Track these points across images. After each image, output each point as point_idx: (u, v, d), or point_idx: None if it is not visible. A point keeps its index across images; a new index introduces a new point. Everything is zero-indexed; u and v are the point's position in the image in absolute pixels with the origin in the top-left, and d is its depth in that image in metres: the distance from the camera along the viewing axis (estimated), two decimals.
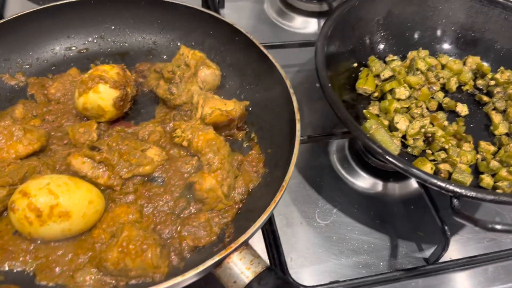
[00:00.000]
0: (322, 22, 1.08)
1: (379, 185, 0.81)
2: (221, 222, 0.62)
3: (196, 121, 0.69)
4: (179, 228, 0.61)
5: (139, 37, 0.86)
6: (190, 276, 0.50)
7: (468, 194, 0.56)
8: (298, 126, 0.64)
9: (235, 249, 0.54)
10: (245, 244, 0.56)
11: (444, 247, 0.65)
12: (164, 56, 0.85)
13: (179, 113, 0.74)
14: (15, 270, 0.55)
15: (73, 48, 0.83)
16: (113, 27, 0.86)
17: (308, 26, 1.11)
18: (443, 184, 0.57)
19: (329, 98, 0.66)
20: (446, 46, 0.90)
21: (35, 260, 0.55)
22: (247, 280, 0.51)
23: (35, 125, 0.68)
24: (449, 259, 0.72)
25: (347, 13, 0.81)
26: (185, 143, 0.67)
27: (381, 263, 0.72)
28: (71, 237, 0.57)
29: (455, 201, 0.59)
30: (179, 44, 0.85)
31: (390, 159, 0.59)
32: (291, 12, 1.13)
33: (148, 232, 0.57)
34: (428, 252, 0.73)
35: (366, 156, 0.80)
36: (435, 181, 0.57)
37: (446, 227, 0.64)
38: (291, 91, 0.68)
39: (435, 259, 0.69)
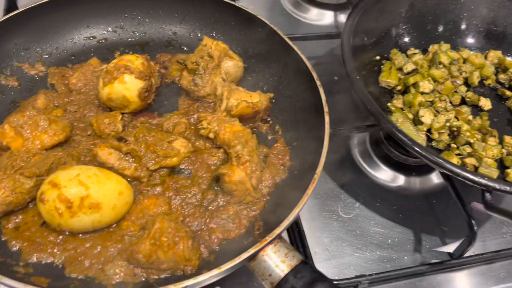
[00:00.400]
0: (338, 14, 1.07)
1: (400, 179, 0.80)
2: (249, 215, 0.62)
3: (221, 113, 0.68)
4: (207, 220, 0.60)
5: (159, 27, 0.84)
6: (227, 268, 0.49)
7: (504, 188, 0.55)
8: (327, 118, 0.63)
9: (270, 242, 0.53)
10: (279, 237, 0.55)
11: (471, 241, 0.64)
12: (184, 47, 0.83)
13: (202, 105, 0.72)
14: (43, 262, 0.54)
15: (92, 37, 0.81)
16: (132, 17, 0.84)
17: (324, 18, 1.10)
18: (477, 179, 0.56)
19: (359, 92, 0.65)
20: (467, 40, 0.89)
21: (63, 252, 0.54)
22: (282, 274, 0.50)
23: (58, 115, 0.66)
24: (473, 254, 0.71)
25: (371, 5, 0.79)
26: (211, 135, 0.66)
27: (405, 258, 0.72)
28: (100, 229, 0.56)
29: (488, 195, 0.58)
30: (199, 35, 0.83)
31: (425, 154, 0.59)
32: (306, 4, 1.11)
33: (179, 224, 0.56)
34: (452, 247, 0.72)
35: (388, 150, 0.79)
36: (471, 176, 0.56)
37: (473, 221, 0.63)
38: (318, 83, 0.67)
39: (460, 253, 0.68)
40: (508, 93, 0.82)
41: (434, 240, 0.74)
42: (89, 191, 0.53)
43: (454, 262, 0.69)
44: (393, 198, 0.78)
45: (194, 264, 0.55)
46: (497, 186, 0.56)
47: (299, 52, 0.71)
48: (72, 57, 0.79)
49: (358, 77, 0.66)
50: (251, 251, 0.51)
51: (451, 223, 0.75)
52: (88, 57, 0.78)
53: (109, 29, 0.83)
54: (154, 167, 0.62)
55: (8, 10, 0.91)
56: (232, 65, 0.74)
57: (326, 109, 0.64)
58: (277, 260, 0.52)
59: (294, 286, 0.50)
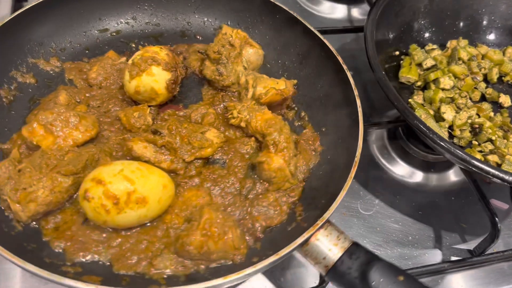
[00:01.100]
0: (351, 8, 1.06)
1: (419, 176, 0.82)
2: (289, 201, 0.64)
3: (250, 101, 0.70)
4: (249, 209, 0.62)
5: (173, 18, 0.85)
6: (284, 254, 0.51)
7: None
8: (358, 102, 0.66)
9: (321, 226, 0.54)
10: (328, 221, 0.56)
11: (494, 238, 0.65)
12: (199, 37, 0.84)
13: (227, 95, 0.74)
14: (89, 261, 0.54)
15: (105, 30, 0.81)
16: (145, 8, 0.84)
17: (335, 12, 1.11)
18: (507, 177, 0.56)
19: (385, 87, 0.67)
20: (485, 36, 0.92)
21: (108, 249, 0.55)
22: (336, 257, 0.53)
23: (82, 111, 0.64)
24: (494, 251, 0.71)
25: (391, 2, 0.78)
26: (242, 124, 0.68)
27: (426, 254, 0.74)
28: (144, 223, 0.57)
29: None
30: (214, 23, 0.84)
31: (453, 150, 0.60)
32: None
33: (226, 214, 0.58)
34: (472, 244, 0.73)
35: (407, 146, 0.80)
36: (499, 173, 0.58)
37: (497, 218, 0.64)
38: (344, 67, 0.69)
39: (481, 251, 0.69)
40: None
41: (454, 237, 0.76)
42: (135, 186, 0.54)
43: (476, 259, 0.71)
44: (412, 194, 0.81)
45: (243, 253, 0.57)
46: None
47: (321, 37, 0.73)
48: (87, 51, 0.79)
49: (384, 72, 0.65)
50: (305, 235, 0.53)
51: (470, 220, 0.77)
52: (103, 50, 0.79)
53: (122, 20, 0.83)
54: (190, 159, 0.63)
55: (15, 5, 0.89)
56: (253, 52, 0.76)
57: (356, 92, 0.66)
58: (329, 244, 0.54)
59: (350, 267, 0.52)
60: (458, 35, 0.89)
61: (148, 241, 0.56)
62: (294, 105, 0.75)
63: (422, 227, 0.75)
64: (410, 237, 0.74)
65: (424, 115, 0.72)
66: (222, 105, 0.72)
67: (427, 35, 0.88)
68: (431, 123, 0.72)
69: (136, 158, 0.61)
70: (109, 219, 0.52)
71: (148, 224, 0.57)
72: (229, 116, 0.68)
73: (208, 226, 0.55)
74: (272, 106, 0.71)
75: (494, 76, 0.85)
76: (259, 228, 0.61)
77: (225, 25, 0.77)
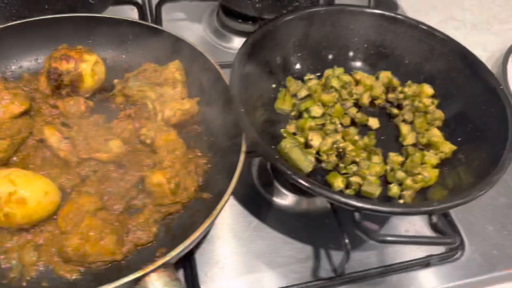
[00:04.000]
0: None
1: (293, 198, 0.86)
2: (161, 222, 0.72)
3: (160, 122, 0.78)
4: (126, 222, 0.70)
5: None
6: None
7: (364, 206, 0.60)
8: (243, 147, 0.71)
9: (153, 270, 0.58)
10: (164, 265, 0.59)
11: (347, 259, 0.69)
12: None
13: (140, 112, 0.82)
14: None
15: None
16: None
17: None
18: (336, 197, 0.62)
19: (241, 121, 0.70)
20: (360, 62, 0.96)
21: None
22: None
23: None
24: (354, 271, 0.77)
25: (262, 38, 0.85)
26: (148, 141, 0.76)
27: (294, 275, 0.76)
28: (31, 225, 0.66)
29: (357, 215, 0.63)
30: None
31: (298, 179, 0.64)
32: (227, 32, 1.16)
33: (106, 222, 0.65)
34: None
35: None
36: (333, 195, 0.62)
37: (346, 240, 0.68)
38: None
39: (341, 270, 0.73)
40: (395, 111, 0.88)
41: (331, 257, 0.78)
42: (17, 188, 0.63)
43: (338, 279, 0.73)
44: (287, 217, 0.84)
45: (119, 257, 0.65)
46: (358, 204, 0.61)
47: (218, 69, 0.82)
48: None
49: (242, 110, 0.70)
50: (132, 276, 0.57)
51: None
52: None
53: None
54: (84, 156, 0.73)
55: None
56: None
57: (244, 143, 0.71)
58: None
59: None
60: (336, 63, 0.94)
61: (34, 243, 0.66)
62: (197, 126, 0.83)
63: (297, 247, 0.78)
64: (279, 259, 0.77)
65: (289, 145, 0.77)
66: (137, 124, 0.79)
67: (304, 66, 0.93)
68: (295, 151, 0.76)
69: (44, 140, 0.72)
70: None
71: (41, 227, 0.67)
72: (140, 132, 0.77)
73: (86, 231, 0.63)
74: (181, 125, 0.80)
75: (366, 100, 0.90)
76: (129, 243, 0.67)
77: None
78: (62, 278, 0.64)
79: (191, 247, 0.62)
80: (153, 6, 1.15)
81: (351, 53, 0.96)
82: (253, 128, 0.70)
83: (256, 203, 0.85)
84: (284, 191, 0.86)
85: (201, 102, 0.84)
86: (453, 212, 0.86)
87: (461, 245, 0.81)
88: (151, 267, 0.57)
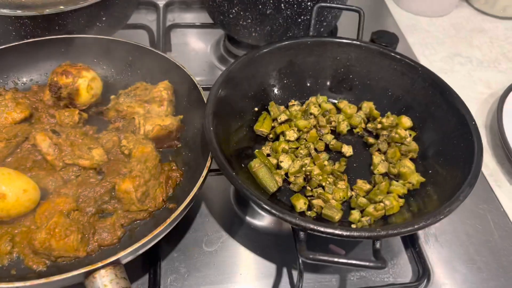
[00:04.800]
0: None
1: (272, 220, 0.88)
2: (127, 228, 0.77)
3: (140, 136, 0.86)
4: (94, 224, 0.76)
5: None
6: (55, 280, 0.61)
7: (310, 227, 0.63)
8: (208, 162, 0.77)
9: (103, 266, 0.63)
10: (114, 264, 0.65)
11: (300, 279, 0.72)
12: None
13: (128, 126, 0.90)
14: None
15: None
16: None
17: None
18: (279, 214, 0.65)
19: (209, 142, 0.74)
20: (344, 92, 0.99)
21: None
22: None
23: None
24: None
25: (247, 63, 0.90)
26: (126, 152, 0.83)
27: None
28: (9, 219, 0.74)
29: (301, 234, 0.66)
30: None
31: (261, 204, 0.68)
32: (231, 58, 1.23)
33: (74, 221, 0.72)
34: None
35: None
36: (276, 212, 0.65)
37: (300, 261, 0.71)
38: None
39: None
40: (371, 140, 0.91)
41: (293, 277, 0.81)
42: None
43: None
44: (257, 235, 0.87)
45: (81, 254, 0.71)
46: (305, 225, 0.63)
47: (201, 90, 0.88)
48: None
49: (211, 128, 0.76)
50: (82, 270, 0.62)
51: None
52: None
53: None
54: (68, 162, 0.81)
55: None
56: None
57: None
58: (101, 285, 0.62)
59: None
60: (320, 91, 0.97)
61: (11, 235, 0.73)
62: (181, 137, 0.89)
63: (262, 264, 0.81)
64: (242, 273, 0.80)
65: (258, 164, 0.81)
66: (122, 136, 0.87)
67: (289, 93, 0.97)
68: (262, 171, 0.79)
69: (35, 145, 0.82)
70: None
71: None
72: (121, 144, 0.85)
73: (53, 227, 0.69)
74: (161, 139, 0.87)
75: (344, 128, 0.92)
76: (94, 243, 0.73)
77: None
78: (30, 269, 0.71)
79: (139, 251, 0.67)
80: (162, 31, 1.24)
81: (336, 83, 0.99)
82: (219, 149, 0.74)
83: (230, 220, 0.89)
84: (257, 210, 0.90)
85: (185, 120, 0.90)
86: (427, 245, 0.87)
87: (425, 276, 0.81)
88: (100, 264, 0.63)
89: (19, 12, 0.92)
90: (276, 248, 0.85)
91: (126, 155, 0.84)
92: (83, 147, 0.82)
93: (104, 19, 1.00)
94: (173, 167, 0.85)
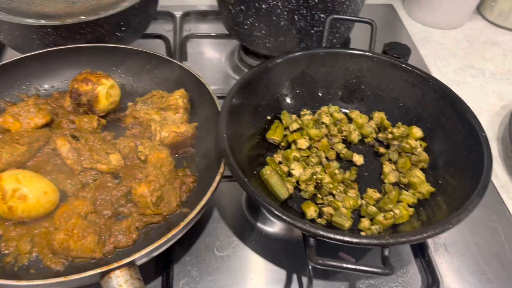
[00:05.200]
0: None
1: (282, 226, 0.90)
2: (142, 231, 0.79)
3: (156, 142, 0.88)
4: (110, 226, 0.78)
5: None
6: (73, 279, 0.64)
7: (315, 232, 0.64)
8: (221, 169, 0.79)
9: (118, 267, 0.65)
10: (129, 265, 0.67)
11: (309, 285, 0.73)
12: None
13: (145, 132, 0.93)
14: None
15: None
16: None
17: None
18: (290, 220, 0.66)
19: (222, 149, 0.77)
20: (356, 102, 1.01)
21: None
22: None
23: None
24: None
25: (260, 73, 0.93)
26: (142, 157, 0.86)
27: None
28: (30, 219, 0.77)
29: (311, 240, 0.67)
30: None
31: (261, 201, 0.70)
32: (245, 68, 1.26)
33: (91, 223, 0.75)
34: None
35: None
36: (285, 218, 0.66)
37: (309, 267, 0.72)
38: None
39: None
40: (382, 150, 0.92)
41: (302, 283, 0.82)
42: (21, 186, 0.74)
43: None
44: (268, 241, 0.88)
45: (98, 256, 0.74)
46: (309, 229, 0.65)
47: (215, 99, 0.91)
48: None
49: (225, 136, 0.78)
50: (98, 270, 0.65)
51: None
52: None
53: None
54: (86, 166, 0.84)
55: None
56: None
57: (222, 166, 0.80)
58: (116, 285, 0.64)
59: None
60: (332, 101, 0.99)
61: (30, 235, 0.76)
62: (196, 144, 0.92)
63: (269, 270, 0.83)
64: (252, 278, 0.81)
65: (269, 171, 0.83)
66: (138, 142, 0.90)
67: (301, 102, 0.99)
68: (274, 178, 0.81)
69: (55, 149, 0.85)
70: None
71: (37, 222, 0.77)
72: (138, 150, 0.87)
73: (71, 228, 0.72)
74: (176, 146, 0.89)
75: (355, 138, 0.94)
76: (110, 245, 0.76)
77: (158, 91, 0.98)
78: (48, 268, 0.73)
79: (153, 253, 0.69)
80: (179, 41, 1.27)
81: (348, 93, 1.01)
82: (232, 156, 0.77)
83: (241, 225, 0.90)
84: (268, 217, 0.91)
85: (200, 127, 0.93)
86: (436, 254, 0.87)
87: (434, 286, 0.81)
88: (115, 265, 0.65)
89: (42, 22, 0.96)
90: (286, 254, 0.86)
91: (142, 160, 0.86)
92: (101, 152, 0.85)
93: (123, 29, 1.04)
94: (187, 173, 0.87)
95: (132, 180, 0.83)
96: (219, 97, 0.92)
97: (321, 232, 0.66)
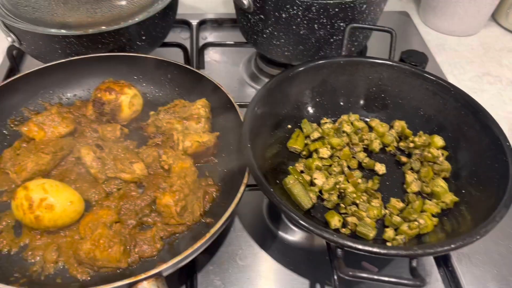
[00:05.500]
0: None
1: (304, 235, 0.90)
2: (166, 240, 0.80)
3: (179, 151, 0.88)
4: (135, 236, 0.78)
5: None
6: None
7: (342, 242, 0.64)
8: (245, 179, 0.79)
9: (145, 278, 0.65)
10: (156, 276, 0.67)
11: None
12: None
13: (167, 142, 0.92)
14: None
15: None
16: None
17: None
18: (317, 231, 0.66)
19: (247, 158, 0.77)
20: (376, 110, 1.01)
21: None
22: None
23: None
24: None
25: (281, 82, 0.93)
26: (166, 167, 0.86)
27: None
28: (56, 229, 0.78)
29: (339, 251, 0.67)
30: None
31: (286, 210, 0.70)
32: (262, 76, 1.26)
33: (117, 233, 0.75)
34: None
35: None
36: (313, 228, 0.66)
37: (335, 277, 0.72)
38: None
39: None
40: (404, 159, 0.91)
41: None
42: (48, 195, 0.74)
43: None
44: (290, 250, 0.88)
45: (123, 265, 0.74)
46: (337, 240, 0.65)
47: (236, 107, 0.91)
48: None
49: (249, 145, 0.78)
50: (126, 281, 0.65)
51: None
52: None
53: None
54: (110, 175, 0.84)
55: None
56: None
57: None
58: None
59: None
60: (352, 110, 0.99)
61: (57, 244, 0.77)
62: (217, 153, 0.92)
63: (297, 280, 0.82)
64: (280, 285, 0.81)
65: (292, 180, 0.83)
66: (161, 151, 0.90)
67: (321, 110, 0.99)
68: (297, 188, 0.81)
69: (79, 158, 0.86)
70: (26, 217, 0.73)
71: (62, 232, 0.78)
72: (161, 159, 0.87)
73: (97, 238, 0.73)
74: (199, 155, 0.89)
75: (377, 147, 0.94)
76: (135, 255, 0.76)
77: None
78: (74, 278, 0.73)
79: (180, 264, 0.69)
80: (196, 49, 1.28)
81: (368, 101, 1.01)
82: (256, 165, 0.77)
83: (263, 234, 0.90)
84: (290, 225, 0.91)
85: (221, 137, 0.93)
86: (460, 264, 0.86)
87: None
88: (143, 276, 0.65)
89: (64, 32, 0.96)
90: (308, 263, 0.86)
91: (166, 169, 0.87)
92: (125, 161, 0.85)
93: (144, 38, 1.04)
94: (210, 182, 0.87)
95: (156, 190, 0.83)
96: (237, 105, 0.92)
97: (349, 243, 0.66)
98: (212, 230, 0.71)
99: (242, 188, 0.77)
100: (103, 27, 0.98)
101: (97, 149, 0.86)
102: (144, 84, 1.04)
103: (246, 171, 0.79)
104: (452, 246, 0.67)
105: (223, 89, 0.94)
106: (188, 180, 0.82)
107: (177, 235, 0.80)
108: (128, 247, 0.76)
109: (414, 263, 0.66)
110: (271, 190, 0.73)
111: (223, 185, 0.88)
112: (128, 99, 0.93)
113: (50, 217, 0.74)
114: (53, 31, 0.96)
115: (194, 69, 1.00)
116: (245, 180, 0.78)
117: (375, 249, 0.65)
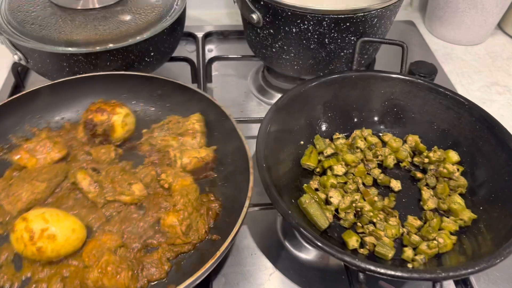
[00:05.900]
0: None
1: (319, 254, 0.88)
2: (173, 261, 0.77)
3: (178, 169, 0.86)
4: (141, 260, 0.76)
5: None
6: None
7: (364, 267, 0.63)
8: (249, 193, 0.76)
9: None
10: None
11: None
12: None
13: (164, 160, 0.90)
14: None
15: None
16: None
17: None
18: (338, 255, 0.65)
19: (262, 179, 0.75)
20: (389, 125, 0.99)
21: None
22: None
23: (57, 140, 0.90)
24: None
25: (293, 98, 0.92)
26: (166, 186, 0.84)
27: None
28: (59, 259, 0.74)
29: (361, 275, 0.66)
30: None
31: (307, 234, 0.69)
32: (270, 90, 1.25)
33: (123, 258, 0.72)
34: None
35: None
36: (337, 254, 0.65)
37: None
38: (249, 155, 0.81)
39: None
40: (419, 174, 0.90)
41: None
42: (49, 225, 0.71)
43: None
44: (305, 269, 0.86)
45: None
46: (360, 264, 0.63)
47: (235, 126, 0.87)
48: None
49: (264, 165, 0.76)
50: None
51: None
52: None
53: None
54: (109, 198, 0.81)
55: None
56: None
57: (251, 184, 0.77)
58: None
59: None
60: (364, 125, 0.98)
61: (61, 275, 0.72)
62: (216, 167, 0.90)
63: None
64: None
65: (308, 200, 0.81)
66: (159, 169, 0.87)
67: (333, 126, 0.98)
68: (313, 207, 0.80)
69: (75, 184, 0.82)
70: (27, 249, 0.70)
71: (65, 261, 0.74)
72: (159, 178, 0.85)
73: (104, 265, 0.70)
74: (198, 171, 0.87)
75: (391, 162, 0.92)
76: (144, 279, 0.73)
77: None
78: None
79: (191, 286, 0.67)
80: (203, 63, 1.26)
81: (380, 116, 1.00)
82: (274, 187, 0.75)
83: (277, 253, 0.89)
84: (305, 244, 0.89)
85: (218, 151, 0.91)
86: (478, 282, 0.85)
87: None
88: None
89: (71, 50, 0.95)
90: (324, 283, 0.84)
91: (166, 188, 0.84)
92: (123, 183, 0.82)
93: (152, 54, 1.03)
94: (211, 198, 0.85)
95: (157, 210, 0.80)
96: (240, 121, 0.91)
97: (371, 267, 0.64)
98: (222, 248, 0.67)
99: (247, 202, 0.73)
100: (111, 45, 0.96)
101: (93, 173, 0.83)
102: (133, 102, 1.01)
103: (249, 184, 0.77)
104: (476, 268, 0.65)
105: (216, 101, 0.91)
106: (191, 198, 0.79)
107: (183, 254, 0.78)
108: (135, 271, 0.73)
109: (438, 287, 0.65)
110: (289, 212, 0.72)
111: (225, 200, 0.85)
112: (120, 118, 0.90)
113: (52, 247, 0.71)
114: (61, 49, 0.94)
115: (184, 84, 0.96)
116: (248, 194, 0.75)
117: (398, 273, 0.64)
